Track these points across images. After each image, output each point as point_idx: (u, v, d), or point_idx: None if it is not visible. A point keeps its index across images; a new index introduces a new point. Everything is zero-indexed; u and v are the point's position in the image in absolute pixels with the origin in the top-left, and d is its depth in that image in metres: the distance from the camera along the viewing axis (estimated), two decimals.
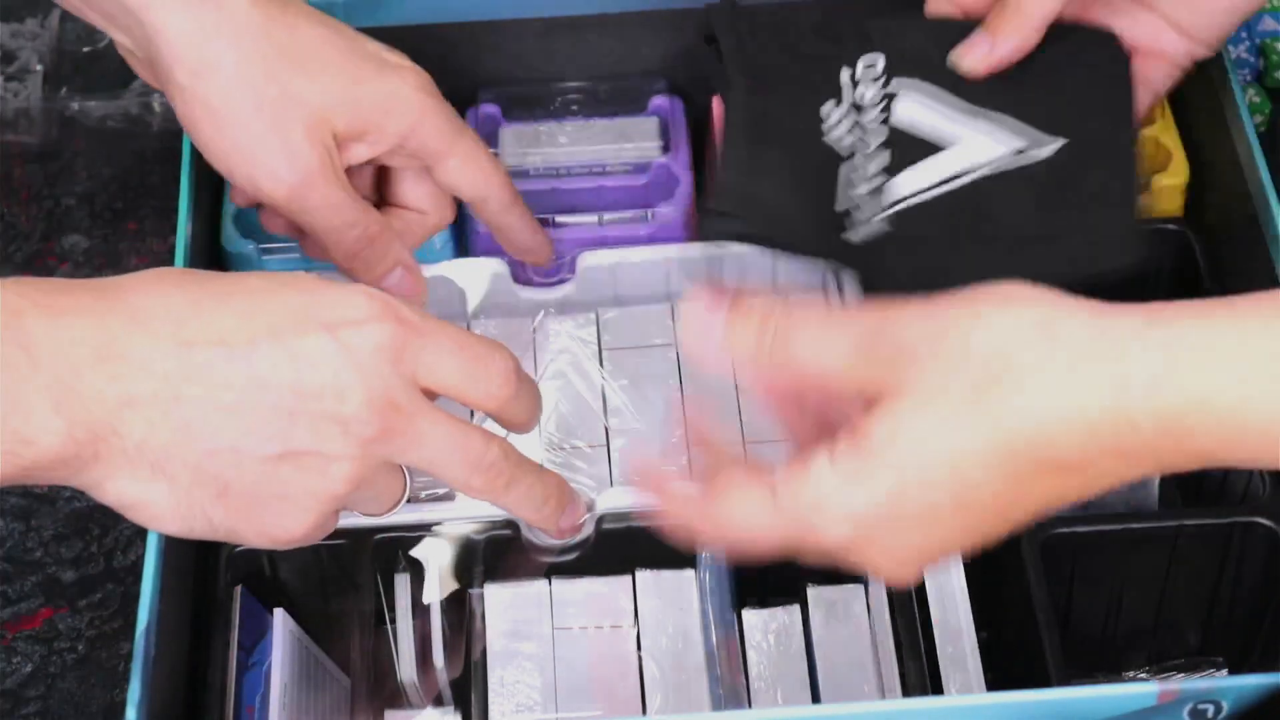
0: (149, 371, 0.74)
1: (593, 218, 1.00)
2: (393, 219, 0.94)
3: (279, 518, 0.76)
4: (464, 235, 1.01)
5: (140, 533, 0.81)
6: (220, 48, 0.87)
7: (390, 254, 0.92)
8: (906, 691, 0.84)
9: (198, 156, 0.94)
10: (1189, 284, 0.99)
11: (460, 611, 0.87)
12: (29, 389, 0.72)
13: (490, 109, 1.05)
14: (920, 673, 0.84)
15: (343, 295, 0.77)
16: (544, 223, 0.99)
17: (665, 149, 1.03)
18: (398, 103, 0.90)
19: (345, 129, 0.89)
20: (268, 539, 0.77)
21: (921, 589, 0.89)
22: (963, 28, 0.90)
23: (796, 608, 0.88)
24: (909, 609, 0.86)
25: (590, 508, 0.88)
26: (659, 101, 1.06)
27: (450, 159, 0.92)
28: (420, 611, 0.87)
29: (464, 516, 0.88)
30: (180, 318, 0.75)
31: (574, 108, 1.06)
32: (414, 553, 0.87)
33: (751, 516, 0.73)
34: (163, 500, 0.75)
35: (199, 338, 0.74)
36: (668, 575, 0.88)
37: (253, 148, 0.88)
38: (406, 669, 0.86)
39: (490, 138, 1.04)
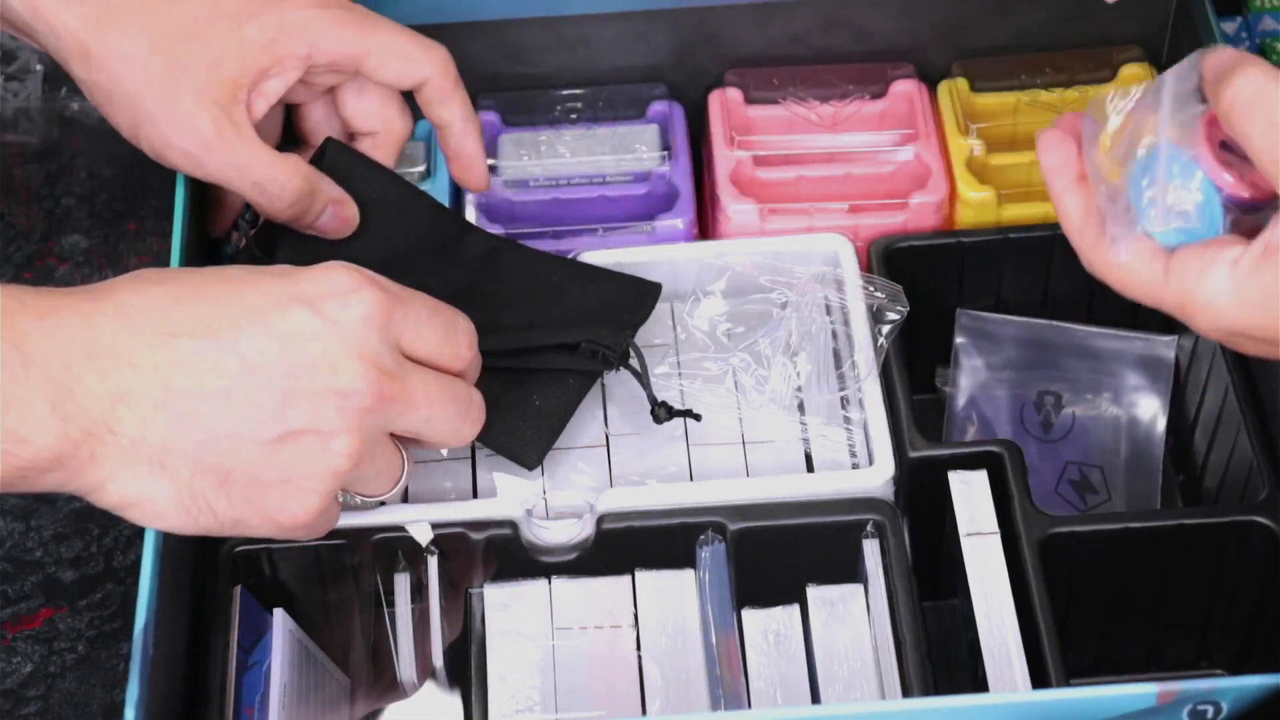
0: (138, 366, 0.74)
1: (594, 230, 1.00)
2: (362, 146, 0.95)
3: (283, 502, 0.76)
4: None
5: (140, 532, 0.81)
6: (104, 34, 0.88)
7: (318, 196, 0.91)
8: (906, 691, 0.84)
9: None
10: None
11: (460, 611, 0.87)
12: (23, 387, 0.72)
13: (489, 116, 1.05)
14: (921, 672, 0.84)
15: (321, 273, 0.78)
16: (546, 235, 1.00)
17: (665, 158, 1.03)
18: (285, 28, 0.90)
19: (241, 74, 0.89)
20: (275, 526, 0.77)
21: (931, 587, 0.89)
22: None
23: (796, 608, 0.88)
24: (911, 608, 0.85)
25: (590, 508, 0.88)
26: (658, 107, 1.06)
27: (369, 58, 0.92)
28: (419, 611, 0.87)
29: (464, 516, 0.88)
30: (164, 312, 0.75)
31: (573, 115, 1.06)
32: (413, 552, 0.87)
33: (1136, 273, 0.76)
34: (164, 496, 0.75)
35: (184, 329, 0.75)
36: (668, 575, 0.88)
37: (150, 123, 0.88)
38: (406, 669, 0.86)
39: (489, 144, 1.04)
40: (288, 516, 0.77)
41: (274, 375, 0.75)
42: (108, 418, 0.74)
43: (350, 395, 0.76)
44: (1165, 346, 1.01)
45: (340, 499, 0.82)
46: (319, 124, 0.96)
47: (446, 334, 0.81)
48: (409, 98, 0.95)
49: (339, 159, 0.93)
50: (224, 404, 0.75)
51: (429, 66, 0.93)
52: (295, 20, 0.90)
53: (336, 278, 0.78)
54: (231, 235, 0.96)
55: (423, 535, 0.87)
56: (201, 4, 0.89)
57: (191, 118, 0.88)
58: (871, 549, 0.88)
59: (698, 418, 0.91)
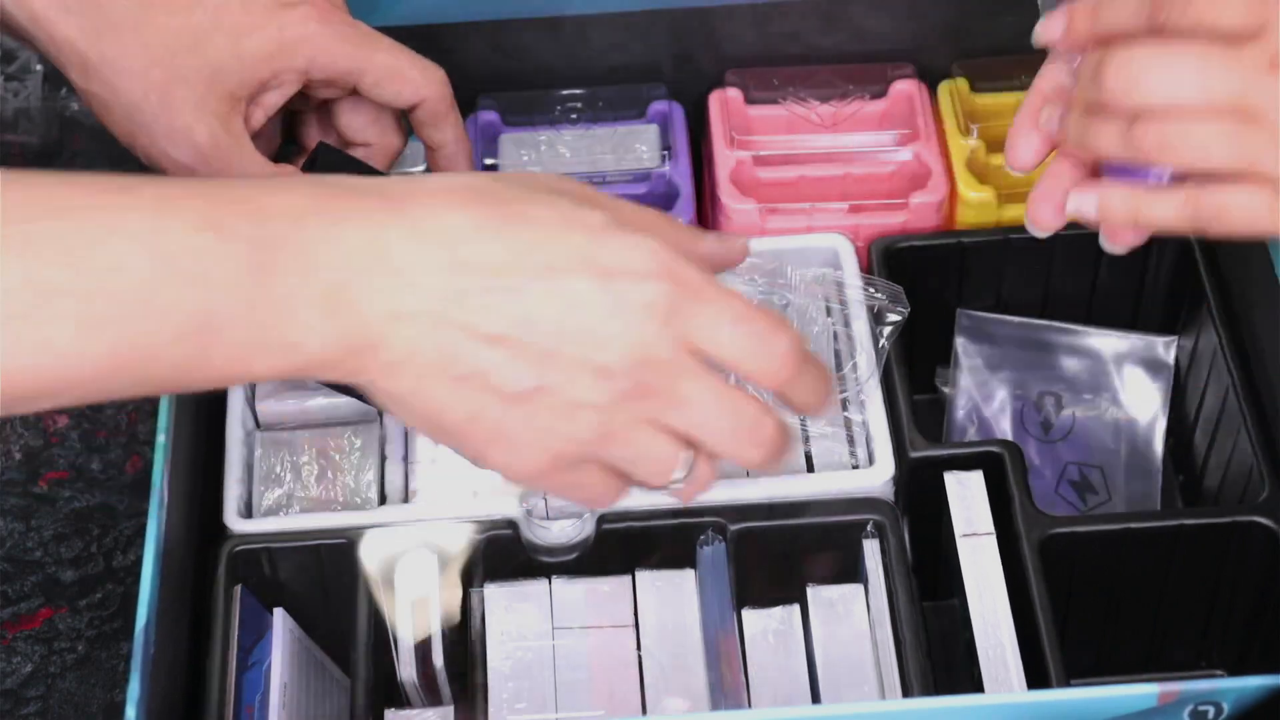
0: (419, 289, 0.73)
1: None
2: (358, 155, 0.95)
3: (513, 452, 0.76)
4: None
5: (140, 532, 0.81)
6: (103, 46, 0.88)
7: None
8: (906, 691, 0.84)
9: None
10: (1188, 282, 0.99)
11: (460, 611, 0.87)
12: (303, 293, 0.72)
13: (489, 115, 1.05)
14: (921, 672, 0.84)
15: (627, 243, 0.75)
16: None
17: (665, 157, 1.03)
18: (285, 43, 0.90)
19: (240, 87, 0.89)
20: (502, 468, 0.76)
21: (931, 587, 0.89)
22: None
23: (796, 608, 0.88)
24: (911, 608, 0.85)
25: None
26: (658, 107, 1.06)
27: (365, 77, 0.92)
28: (420, 611, 0.87)
29: (464, 516, 0.88)
30: (458, 239, 0.74)
31: (573, 115, 1.06)
32: (414, 552, 0.87)
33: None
34: (419, 410, 0.75)
35: (473, 263, 0.74)
36: (668, 575, 0.88)
37: (148, 135, 0.88)
38: (406, 669, 0.86)
39: (490, 144, 1.04)
40: (516, 466, 0.76)
41: (544, 332, 0.74)
42: (379, 334, 0.73)
43: (607, 375, 0.74)
44: (1165, 347, 1.01)
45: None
46: (316, 132, 0.96)
47: (753, 344, 0.76)
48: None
49: (332, 164, 0.93)
50: (489, 349, 0.74)
51: (424, 89, 0.93)
52: (295, 35, 0.90)
53: (640, 256, 0.75)
54: None
55: (423, 534, 0.87)
56: (201, 17, 0.89)
57: (189, 130, 0.88)
58: (871, 549, 0.88)
59: None
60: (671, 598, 0.88)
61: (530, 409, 0.75)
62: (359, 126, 0.95)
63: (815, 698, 0.86)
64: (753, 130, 1.05)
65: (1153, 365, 1.01)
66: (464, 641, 0.87)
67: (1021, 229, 0.99)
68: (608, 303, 0.74)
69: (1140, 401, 1.01)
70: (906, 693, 0.84)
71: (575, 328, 0.74)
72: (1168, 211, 0.76)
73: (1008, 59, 1.04)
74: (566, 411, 0.75)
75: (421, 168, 1.02)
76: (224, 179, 0.73)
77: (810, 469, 0.91)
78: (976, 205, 1.00)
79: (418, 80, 0.92)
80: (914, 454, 0.91)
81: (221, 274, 0.71)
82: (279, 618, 0.85)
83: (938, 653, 0.88)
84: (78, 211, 0.70)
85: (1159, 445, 1.00)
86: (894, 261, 0.99)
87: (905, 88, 1.05)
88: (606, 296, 0.74)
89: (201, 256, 0.71)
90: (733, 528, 0.88)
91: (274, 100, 0.91)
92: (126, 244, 0.70)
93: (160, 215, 0.71)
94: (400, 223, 0.74)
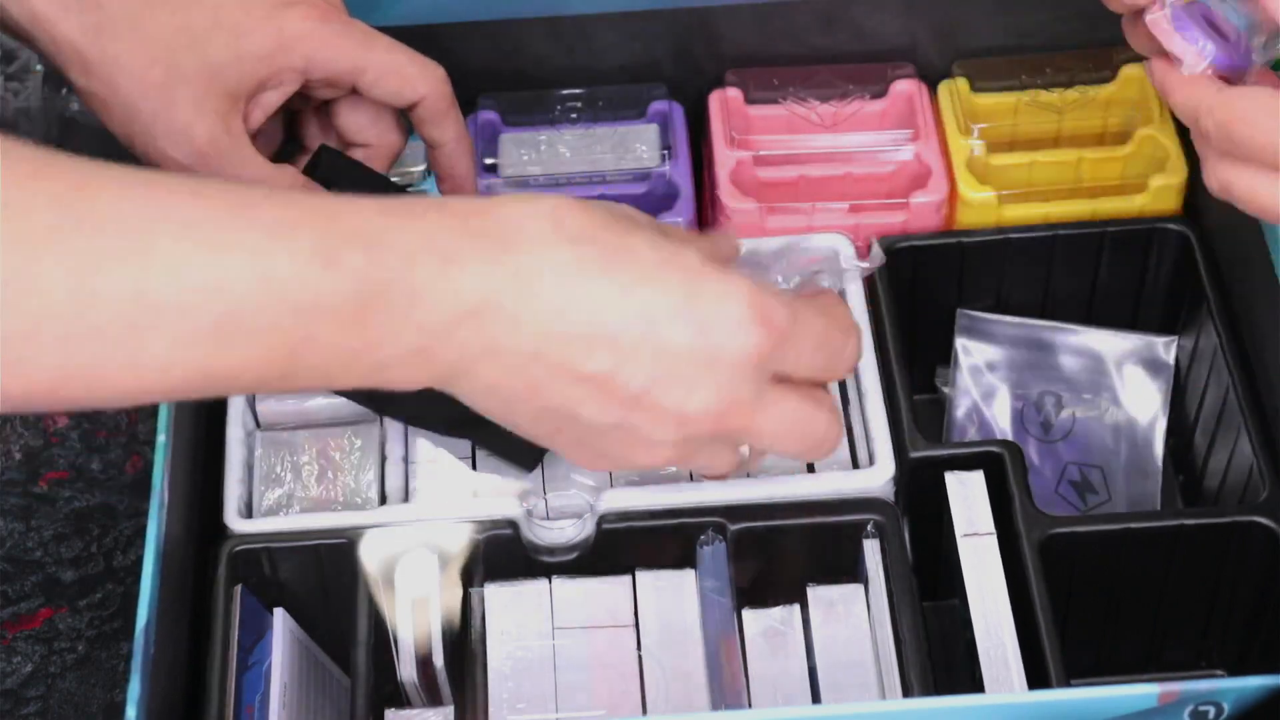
0: (518, 330, 0.74)
1: None
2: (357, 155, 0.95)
3: (584, 460, 0.79)
4: None
5: (140, 532, 0.81)
6: (103, 45, 0.88)
7: None
8: (906, 691, 0.84)
9: None
10: (1188, 282, 0.99)
11: (460, 611, 0.87)
12: (405, 332, 0.73)
13: (489, 115, 1.05)
14: (921, 672, 0.84)
15: (723, 293, 0.75)
16: None
17: (665, 157, 1.03)
18: (284, 42, 0.90)
19: (239, 86, 0.89)
20: (585, 465, 0.81)
21: (931, 587, 0.89)
22: None
23: (796, 608, 0.88)
24: (911, 608, 0.85)
25: (590, 508, 0.88)
26: (658, 107, 1.06)
27: (364, 76, 0.92)
28: (419, 611, 0.87)
29: (464, 516, 0.88)
30: (563, 279, 0.74)
31: (573, 115, 1.06)
32: (414, 552, 0.87)
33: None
34: (502, 418, 0.78)
35: (574, 306, 0.74)
36: (668, 575, 0.88)
37: (147, 133, 0.88)
38: (406, 669, 0.86)
39: (490, 144, 1.04)
40: (587, 467, 0.82)
41: (635, 377, 0.75)
42: (471, 365, 0.74)
43: (691, 421, 0.76)
44: (1165, 347, 1.01)
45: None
46: (316, 131, 0.96)
47: (830, 361, 0.79)
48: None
49: (334, 166, 0.93)
50: (578, 387, 0.75)
51: (424, 87, 0.93)
52: (294, 34, 0.90)
53: (736, 307, 0.75)
54: None
55: (423, 534, 0.87)
56: (201, 16, 0.89)
57: (188, 129, 0.88)
58: (871, 549, 0.88)
59: None
60: (671, 598, 0.88)
61: (609, 439, 0.77)
62: (359, 126, 0.95)
63: (815, 698, 0.86)
64: (753, 130, 1.05)
65: (1153, 365, 1.01)
66: (464, 641, 0.87)
67: (1021, 229, 1.00)
68: (701, 357, 0.75)
69: (1140, 401, 1.01)
70: (906, 693, 0.84)
71: (667, 375, 0.75)
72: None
73: (1008, 59, 1.04)
74: (644, 446, 0.77)
75: (421, 167, 1.02)
76: (346, 199, 0.73)
77: (810, 469, 0.91)
78: (976, 205, 1.00)
79: (417, 78, 0.93)
80: (914, 454, 0.91)
81: (327, 304, 0.71)
82: (279, 618, 0.85)
83: (938, 653, 0.88)
84: (193, 227, 0.70)
85: (1159, 445, 1.00)
86: (894, 261, 0.99)
87: (905, 88, 1.05)
88: (704, 344, 0.75)
89: (308, 286, 0.71)
90: (733, 528, 0.88)
91: (273, 99, 0.91)
92: (237, 266, 0.70)
93: (274, 239, 0.71)
94: (508, 264, 0.74)
